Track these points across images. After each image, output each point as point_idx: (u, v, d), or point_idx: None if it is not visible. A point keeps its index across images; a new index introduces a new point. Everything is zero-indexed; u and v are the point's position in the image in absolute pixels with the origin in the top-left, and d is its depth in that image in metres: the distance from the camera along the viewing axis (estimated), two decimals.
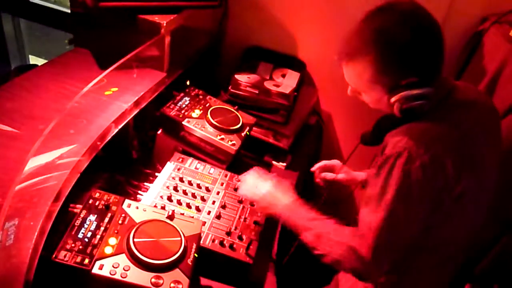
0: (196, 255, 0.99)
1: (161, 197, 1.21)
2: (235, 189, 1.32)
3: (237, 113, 1.51)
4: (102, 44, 1.49)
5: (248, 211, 1.27)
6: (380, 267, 0.97)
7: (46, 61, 1.59)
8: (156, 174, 1.35)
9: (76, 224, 0.97)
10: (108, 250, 0.93)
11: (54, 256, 0.89)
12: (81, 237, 0.94)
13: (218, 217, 1.22)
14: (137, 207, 1.05)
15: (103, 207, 1.02)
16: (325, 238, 1.00)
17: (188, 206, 1.21)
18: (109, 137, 1.16)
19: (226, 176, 1.37)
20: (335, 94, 1.83)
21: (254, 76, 1.72)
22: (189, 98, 1.49)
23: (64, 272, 0.89)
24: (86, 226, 0.97)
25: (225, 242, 1.14)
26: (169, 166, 1.32)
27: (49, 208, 0.91)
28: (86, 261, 0.90)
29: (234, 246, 1.14)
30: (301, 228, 1.05)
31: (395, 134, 0.97)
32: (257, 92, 1.65)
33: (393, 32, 0.94)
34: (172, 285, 0.89)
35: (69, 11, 1.53)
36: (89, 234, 0.95)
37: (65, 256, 0.89)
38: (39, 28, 2.90)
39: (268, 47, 1.88)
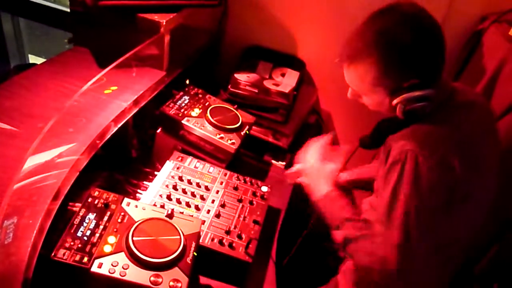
0: (195, 253, 0.98)
1: (161, 196, 1.21)
2: (235, 188, 1.32)
3: (236, 112, 1.51)
4: (101, 43, 1.49)
5: (247, 210, 1.27)
6: (408, 277, 0.93)
7: (45, 60, 1.59)
8: (156, 173, 1.35)
9: (75, 222, 0.96)
10: (107, 248, 0.92)
11: (53, 254, 0.88)
12: (80, 235, 0.94)
13: (218, 216, 1.22)
14: (136, 206, 1.05)
15: (102, 205, 1.02)
16: (354, 244, 0.98)
17: (188, 205, 1.21)
18: (108, 136, 1.16)
19: (225, 175, 1.37)
20: (334, 93, 1.83)
21: (254, 75, 1.72)
22: (188, 97, 1.49)
23: (63, 271, 0.89)
24: (85, 224, 0.97)
25: (224, 241, 1.14)
26: (169, 165, 1.32)
27: (48, 207, 0.91)
28: (85, 259, 0.89)
29: (234, 245, 1.14)
30: (332, 225, 1.04)
31: (399, 138, 0.96)
32: (256, 91, 1.65)
33: (396, 34, 0.94)
34: (171, 283, 0.89)
35: (68, 10, 1.53)
36: (88, 233, 0.95)
37: (64, 254, 0.89)
38: (38, 27, 2.90)
39: (267, 46, 1.88)
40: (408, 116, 0.97)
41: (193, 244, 1.00)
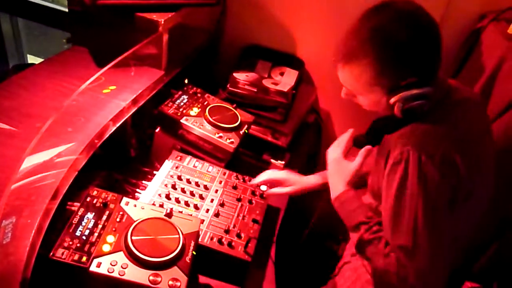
0: (194, 252, 0.98)
1: (159, 195, 1.20)
2: (234, 187, 1.32)
3: (235, 111, 1.51)
4: (100, 43, 1.49)
5: (246, 209, 1.27)
6: (424, 278, 0.92)
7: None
8: (154, 172, 1.34)
9: (73, 222, 0.96)
10: (106, 248, 0.92)
11: (51, 254, 0.88)
12: (78, 235, 0.94)
13: (217, 215, 1.22)
14: (135, 205, 1.05)
15: (101, 205, 1.02)
16: (369, 247, 0.97)
17: (187, 204, 1.21)
18: (107, 135, 1.15)
19: (224, 174, 1.37)
20: (333, 92, 1.81)
21: (253, 74, 1.72)
22: (187, 96, 1.49)
23: (61, 270, 0.89)
24: (83, 224, 0.97)
25: (223, 240, 1.14)
26: (167, 164, 1.32)
27: (47, 206, 0.91)
28: (84, 259, 0.89)
29: (233, 244, 1.14)
30: (348, 226, 1.03)
31: (398, 137, 0.95)
32: (255, 90, 1.65)
33: (392, 31, 0.93)
34: (170, 282, 0.89)
35: (66, 10, 1.52)
36: (86, 232, 0.95)
37: (62, 254, 0.89)
38: (37, 28, 2.90)
39: (266, 46, 1.88)
40: (406, 115, 0.96)
41: (192, 243, 0.99)
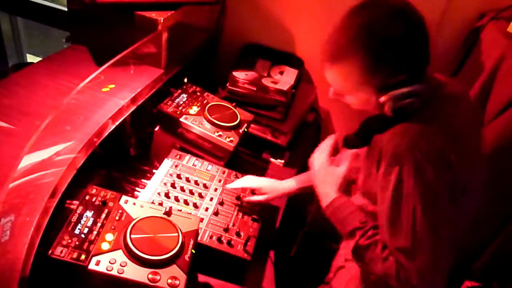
0: (193, 251, 0.98)
1: (159, 193, 1.20)
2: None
3: (235, 110, 1.51)
4: (99, 41, 1.49)
5: (246, 208, 1.27)
6: (426, 279, 0.89)
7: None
8: (154, 171, 1.34)
9: (72, 220, 0.96)
10: (104, 246, 0.92)
11: (50, 252, 0.88)
12: (77, 233, 0.94)
13: (216, 213, 1.21)
14: (134, 203, 1.05)
15: (100, 203, 1.02)
16: (366, 252, 0.95)
17: (186, 202, 1.21)
18: (106, 134, 1.15)
19: (224, 173, 1.37)
20: None
21: (252, 73, 1.72)
22: (186, 95, 1.49)
23: (60, 268, 0.89)
24: (82, 222, 0.96)
25: (222, 239, 1.14)
26: (167, 163, 1.32)
27: (45, 204, 0.90)
28: (83, 257, 0.89)
29: (232, 242, 1.14)
30: (342, 233, 1.01)
31: (390, 137, 0.92)
32: (255, 89, 1.65)
33: (381, 28, 0.89)
34: (169, 281, 0.89)
35: (66, 9, 1.52)
36: (85, 230, 0.95)
37: (61, 252, 0.89)
38: (36, 27, 2.90)
39: (266, 44, 1.87)
40: (396, 114, 0.93)
41: (191, 242, 0.99)
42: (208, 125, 1.40)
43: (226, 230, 1.17)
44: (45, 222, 0.90)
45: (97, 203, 1.02)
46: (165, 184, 1.24)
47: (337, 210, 1.02)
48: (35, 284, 0.85)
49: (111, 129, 1.17)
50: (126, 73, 1.35)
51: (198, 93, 1.53)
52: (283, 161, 1.65)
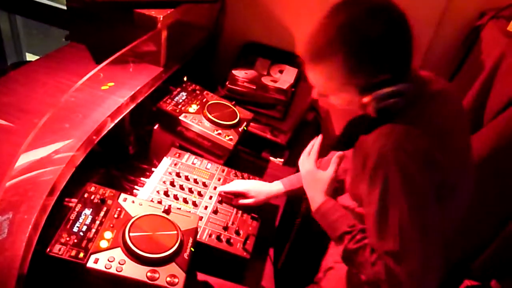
0: (192, 249, 0.98)
1: (158, 192, 1.20)
2: None
3: (234, 109, 1.51)
4: (98, 39, 1.48)
5: (245, 207, 1.26)
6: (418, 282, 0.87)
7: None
8: (153, 169, 1.34)
9: (71, 218, 0.96)
10: (103, 244, 0.92)
11: (48, 249, 0.88)
12: (76, 230, 0.93)
13: (215, 212, 1.21)
14: (133, 201, 1.04)
15: (99, 201, 1.02)
16: (356, 256, 0.93)
17: (185, 201, 1.20)
18: (105, 132, 1.15)
19: (223, 171, 1.36)
20: None
21: (252, 72, 1.72)
22: (186, 93, 1.48)
23: (58, 266, 0.88)
24: (81, 220, 0.96)
25: (222, 237, 1.13)
26: (166, 161, 1.31)
27: (44, 202, 0.90)
28: (81, 255, 0.89)
29: (231, 241, 1.14)
30: (332, 238, 1.00)
31: (376, 138, 0.90)
32: (254, 87, 1.65)
33: (362, 27, 0.87)
34: (168, 279, 0.89)
35: (65, 7, 1.52)
36: (84, 228, 0.94)
37: (59, 249, 0.88)
38: (36, 26, 2.89)
39: (265, 43, 1.87)
40: (381, 114, 0.91)
41: (190, 240, 0.99)
42: (207, 124, 1.40)
43: (226, 228, 1.16)
44: (43, 220, 0.89)
45: (95, 201, 1.01)
46: (164, 182, 1.24)
47: (326, 214, 1.01)
48: (33, 282, 0.84)
49: (110, 127, 1.17)
50: (126, 71, 1.34)
51: (198, 92, 1.52)
52: (282, 160, 1.65)
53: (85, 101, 1.17)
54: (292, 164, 1.64)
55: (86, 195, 1.02)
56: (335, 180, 1.06)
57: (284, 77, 1.73)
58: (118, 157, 1.39)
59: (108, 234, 0.94)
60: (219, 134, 1.38)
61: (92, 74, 1.16)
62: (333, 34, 0.89)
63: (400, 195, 0.85)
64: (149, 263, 0.90)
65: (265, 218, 1.28)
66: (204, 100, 1.49)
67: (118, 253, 0.91)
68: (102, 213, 0.99)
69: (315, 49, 0.92)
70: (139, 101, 1.30)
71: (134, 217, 0.99)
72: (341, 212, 1.00)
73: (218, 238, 1.13)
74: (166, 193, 1.20)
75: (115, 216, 0.99)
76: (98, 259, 0.88)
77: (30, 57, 2.90)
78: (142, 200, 1.06)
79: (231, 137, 1.39)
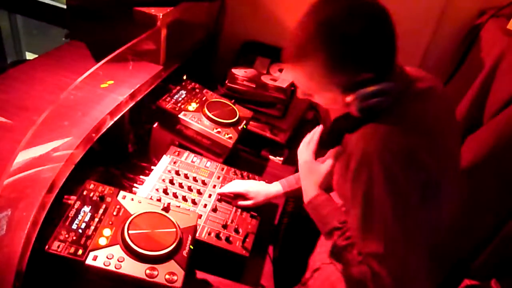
0: (191, 247, 0.98)
1: (157, 190, 1.20)
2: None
3: (233, 107, 1.51)
4: (98, 37, 1.48)
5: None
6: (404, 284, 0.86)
7: None
8: (152, 167, 1.34)
9: (70, 215, 0.95)
10: (102, 241, 0.92)
11: (47, 247, 0.88)
12: (75, 228, 0.93)
13: (215, 210, 1.21)
14: (132, 199, 1.04)
15: (98, 198, 1.01)
16: (344, 253, 0.92)
17: (184, 199, 1.20)
18: (104, 129, 1.14)
19: (222, 169, 1.36)
20: None
21: (251, 70, 1.71)
22: (185, 92, 1.48)
23: (57, 263, 0.88)
24: (80, 217, 0.96)
25: (221, 235, 1.13)
26: (165, 160, 1.31)
27: (42, 199, 0.90)
28: (80, 252, 0.89)
29: (230, 239, 1.13)
30: (322, 232, 0.99)
31: (359, 138, 0.89)
32: (254, 86, 1.64)
33: (342, 25, 0.85)
34: (167, 276, 0.88)
35: (65, 6, 1.52)
36: (83, 225, 0.94)
37: (58, 247, 0.88)
38: (36, 26, 2.89)
39: (265, 42, 1.87)
40: (364, 114, 0.89)
41: (190, 237, 0.99)
42: (207, 122, 1.40)
43: (225, 226, 1.16)
44: (42, 217, 0.89)
45: (95, 198, 1.01)
46: (163, 180, 1.23)
47: (317, 207, 1.00)
48: (32, 279, 0.84)
49: (109, 125, 1.17)
50: (125, 69, 1.34)
51: (197, 90, 1.52)
52: (282, 158, 1.65)
53: (85, 99, 1.17)
54: (291, 162, 1.64)
55: (85, 193, 1.02)
56: (330, 174, 1.04)
57: (284, 76, 1.73)
58: (118, 155, 1.38)
59: (107, 232, 0.94)
60: (218, 132, 1.38)
61: (91, 72, 1.16)
62: (312, 32, 0.87)
63: (384, 196, 0.84)
64: (148, 260, 0.90)
65: (264, 216, 1.28)
66: (204, 98, 1.49)
67: (117, 251, 0.90)
68: (101, 211, 0.99)
69: (295, 48, 0.91)
70: (138, 99, 1.30)
71: (133, 214, 0.99)
72: (332, 206, 0.99)
73: (217, 236, 1.13)
74: (165, 191, 1.20)
75: (114, 213, 0.99)
76: (97, 256, 0.88)
77: (30, 56, 2.90)
78: (141, 198, 1.06)
79: (230, 135, 1.39)
